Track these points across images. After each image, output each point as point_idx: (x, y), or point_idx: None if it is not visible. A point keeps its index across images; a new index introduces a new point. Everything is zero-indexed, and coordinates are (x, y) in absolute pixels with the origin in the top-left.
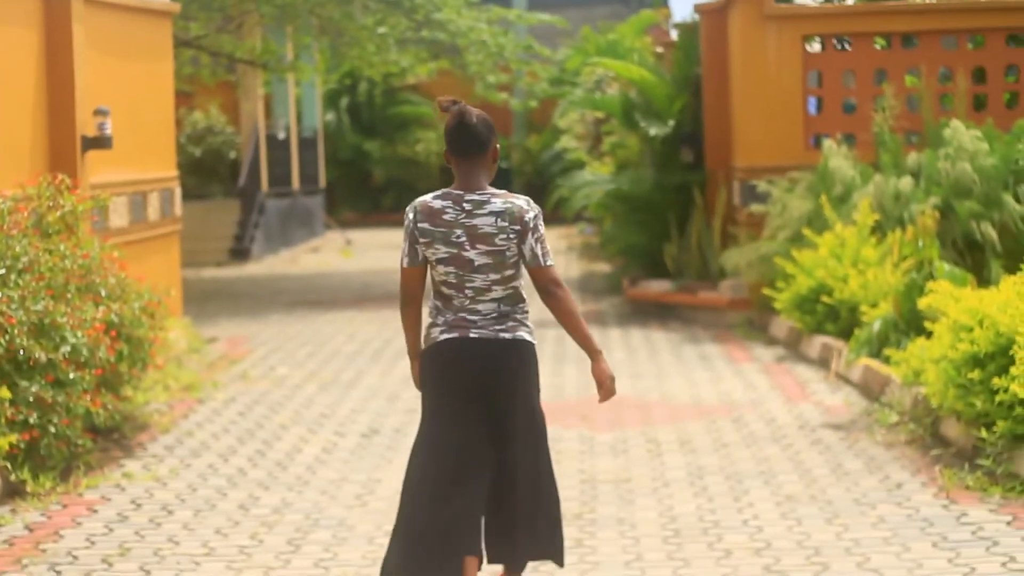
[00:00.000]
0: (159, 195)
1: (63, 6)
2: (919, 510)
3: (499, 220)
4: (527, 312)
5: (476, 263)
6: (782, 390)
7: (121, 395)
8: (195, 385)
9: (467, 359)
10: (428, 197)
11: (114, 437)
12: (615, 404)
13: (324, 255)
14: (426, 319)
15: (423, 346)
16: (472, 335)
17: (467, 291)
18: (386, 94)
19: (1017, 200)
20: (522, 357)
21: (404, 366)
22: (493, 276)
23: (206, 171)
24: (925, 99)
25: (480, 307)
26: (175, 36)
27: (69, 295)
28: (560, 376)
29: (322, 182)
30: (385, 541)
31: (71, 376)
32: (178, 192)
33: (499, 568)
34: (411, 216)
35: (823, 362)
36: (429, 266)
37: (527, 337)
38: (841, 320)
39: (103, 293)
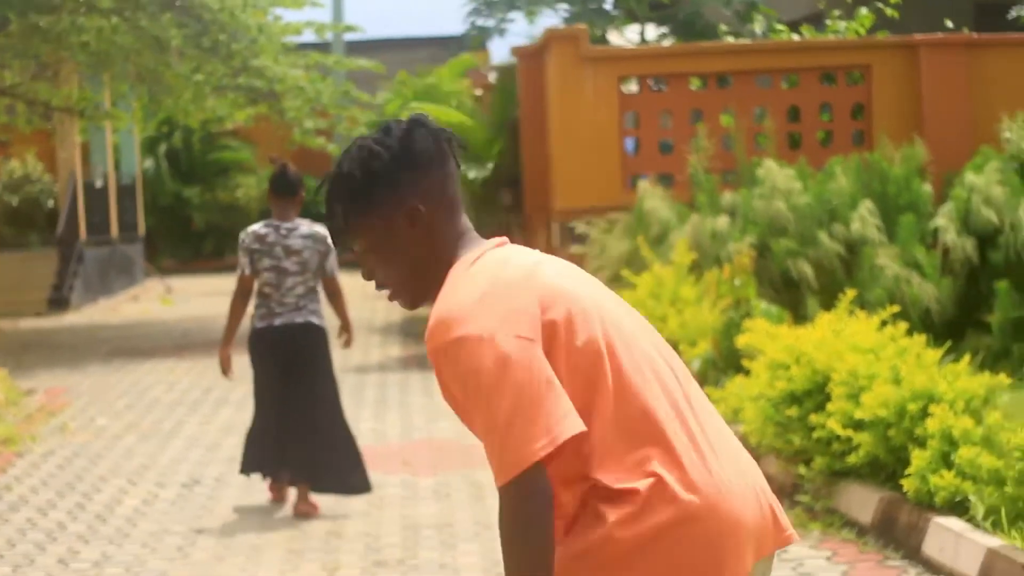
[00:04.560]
0: None
1: None
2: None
3: (306, 241)
4: (319, 302)
5: (290, 270)
6: None
7: None
8: (13, 438)
9: (274, 338)
10: (256, 226)
11: None
12: (438, 448)
13: (144, 303)
14: (251, 309)
15: (250, 329)
16: (276, 323)
17: (282, 290)
18: (205, 140)
19: (831, 237)
20: (311, 335)
21: (225, 415)
22: (299, 279)
23: (23, 220)
24: (737, 139)
25: (287, 300)
26: None
27: None
28: (382, 422)
29: (141, 229)
30: None
31: None
32: None
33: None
34: (245, 240)
35: None
36: (256, 273)
37: (315, 320)
38: None
39: None
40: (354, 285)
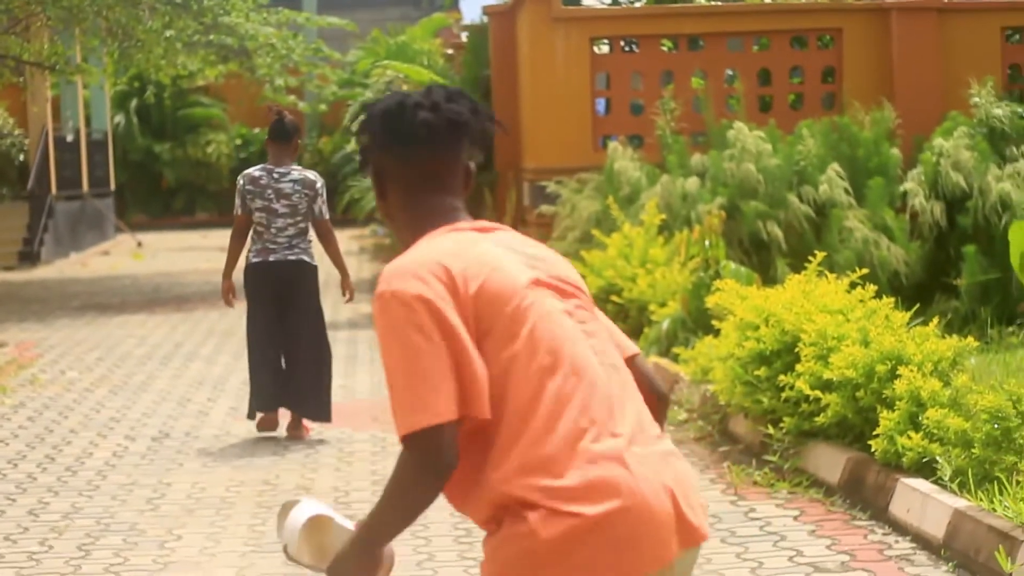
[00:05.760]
0: None
1: None
2: (708, 506)
3: (295, 185)
4: (310, 243)
5: (279, 211)
6: None
7: None
8: None
9: (268, 273)
10: (252, 170)
11: None
12: None
13: (115, 258)
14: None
15: (245, 263)
16: (271, 259)
17: (272, 229)
18: (176, 96)
19: (801, 200)
20: (303, 272)
21: (194, 368)
22: (289, 220)
23: None
24: (707, 101)
25: (279, 239)
26: None
27: None
28: (352, 378)
29: (112, 184)
30: (177, 546)
31: None
32: None
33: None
34: (241, 182)
35: None
36: (250, 212)
37: (307, 259)
38: (631, 319)
39: None
40: None
